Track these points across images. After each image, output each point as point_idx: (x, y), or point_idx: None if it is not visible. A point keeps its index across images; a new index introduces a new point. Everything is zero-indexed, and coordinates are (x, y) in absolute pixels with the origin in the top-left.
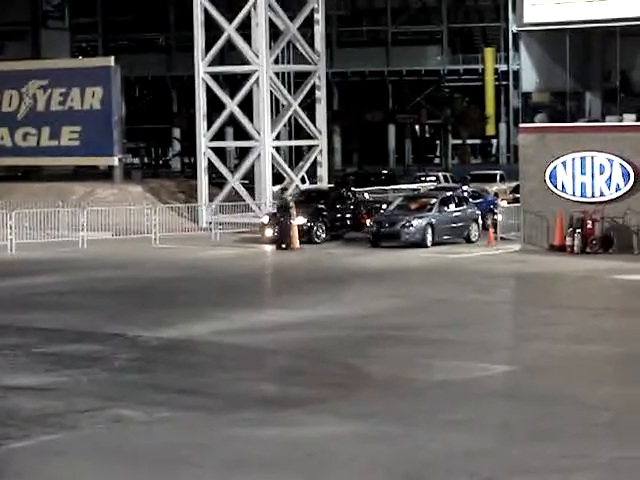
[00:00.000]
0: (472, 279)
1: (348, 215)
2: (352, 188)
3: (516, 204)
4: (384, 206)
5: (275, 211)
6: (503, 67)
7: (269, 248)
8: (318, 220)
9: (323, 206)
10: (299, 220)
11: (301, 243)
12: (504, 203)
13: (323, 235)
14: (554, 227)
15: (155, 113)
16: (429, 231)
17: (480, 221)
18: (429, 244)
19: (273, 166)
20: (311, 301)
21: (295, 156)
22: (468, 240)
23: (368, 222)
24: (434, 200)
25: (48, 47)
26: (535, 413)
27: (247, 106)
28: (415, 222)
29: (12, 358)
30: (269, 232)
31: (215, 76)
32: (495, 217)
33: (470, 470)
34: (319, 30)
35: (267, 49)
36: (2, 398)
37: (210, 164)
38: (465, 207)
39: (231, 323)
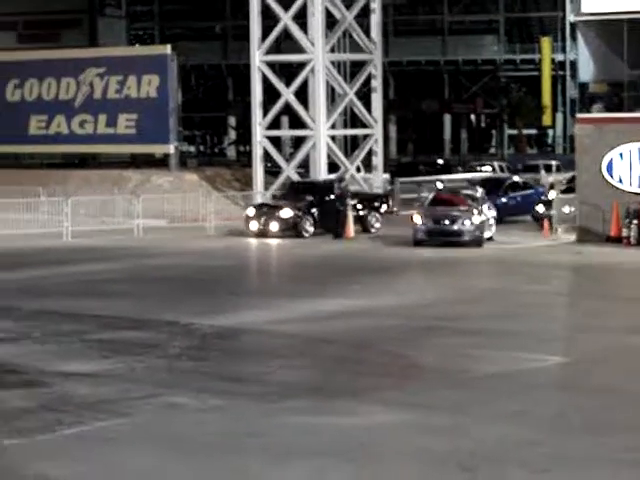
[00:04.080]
0: (526, 270)
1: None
2: (343, 180)
3: (571, 195)
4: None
5: (261, 202)
6: (560, 57)
7: (324, 238)
8: (306, 213)
9: (312, 199)
10: (285, 213)
11: (288, 237)
12: (553, 193)
13: (311, 229)
14: (610, 218)
15: (211, 101)
16: (485, 228)
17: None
18: (484, 243)
19: (328, 155)
20: (363, 291)
21: (350, 145)
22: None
23: (416, 218)
24: (478, 195)
25: (105, 35)
26: (589, 405)
27: (303, 95)
28: (475, 219)
29: (67, 344)
30: (254, 225)
31: (271, 65)
32: (545, 208)
33: (523, 461)
34: (375, 19)
35: (323, 38)
36: (57, 384)
37: (265, 153)
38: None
39: (283, 312)
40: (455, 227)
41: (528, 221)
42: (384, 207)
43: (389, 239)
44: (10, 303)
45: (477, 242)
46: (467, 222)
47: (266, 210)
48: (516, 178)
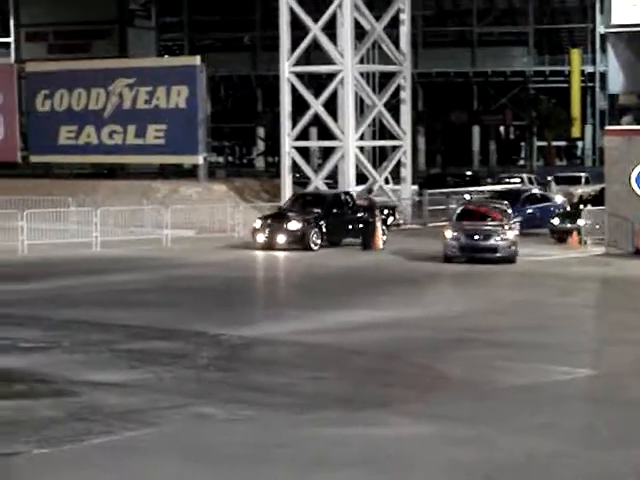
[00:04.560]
0: (554, 282)
1: (347, 220)
2: (352, 193)
3: (600, 207)
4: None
5: (268, 214)
6: (590, 69)
7: (353, 249)
8: (313, 226)
9: (319, 211)
10: (293, 225)
11: (295, 250)
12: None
13: (319, 241)
14: (639, 231)
15: (240, 112)
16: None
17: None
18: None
19: (357, 166)
20: (390, 302)
21: (379, 157)
22: None
23: (447, 232)
24: (505, 208)
25: (135, 46)
26: (619, 418)
27: (331, 106)
28: (509, 234)
29: (96, 354)
30: (261, 237)
31: (300, 76)
32: (561, 220)
33: (551, 473)
34: (404, 30)
35: (352, 49)
36: (85, 394)
37: (294, 163)
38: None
39: (311, 323)
40: (489, 243)
41: (545, 234)
42: (390, 219)
43: (415, 251)
44: (39, 313)
45: (511, 259)
46: (502, 237)
47: (273, 222)
48: (535, 190)
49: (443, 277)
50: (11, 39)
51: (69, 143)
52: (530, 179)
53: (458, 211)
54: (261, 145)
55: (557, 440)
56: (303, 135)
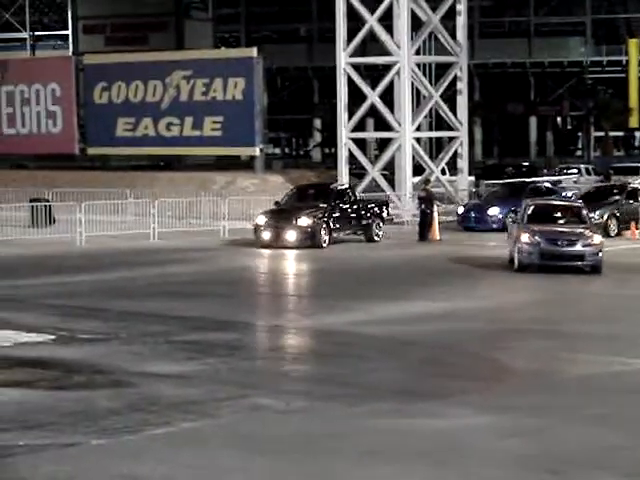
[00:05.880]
0: (612, 273)
1: (348, 216)
2: (352, 187)
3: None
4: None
5: (272, 209)
6: None
7: (411, 239)
8: (323, 221)
9: (326, 205)
10: (303, 221)
11: (305, 247)
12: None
13: (327, 237)
14: None
15: (296, 104)
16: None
17: None
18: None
19: (413, 157)
20: (447, 293)
21: (435, 148)
22: None
23: (524, 237)
24: (582, 207)
25: (191, 38)
26: None
27: (388, 97)
28: (596, 239)
29: (153, 345)
30: (266, 235)
31: (356, 67)
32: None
33: (612, 465)
34: (461, 21)
35: (409, 40)
36: (143, 385)
37: (350, 155)
38: None
39: (368, 314)
40: (575, 249)
41: None
42: (385, 214)
43: (471, 243)
44: (97, 304)
45: (597, 268)
46: (588, 243)
47: (280, 218)
48: (547, 184)
49: (500, 268)
50: (69, 32)
51: (126, 135)
52: (587, 169)
53: (529, 211)
54: (318, 136)
55: (618, 431)
56: (360, 126)
